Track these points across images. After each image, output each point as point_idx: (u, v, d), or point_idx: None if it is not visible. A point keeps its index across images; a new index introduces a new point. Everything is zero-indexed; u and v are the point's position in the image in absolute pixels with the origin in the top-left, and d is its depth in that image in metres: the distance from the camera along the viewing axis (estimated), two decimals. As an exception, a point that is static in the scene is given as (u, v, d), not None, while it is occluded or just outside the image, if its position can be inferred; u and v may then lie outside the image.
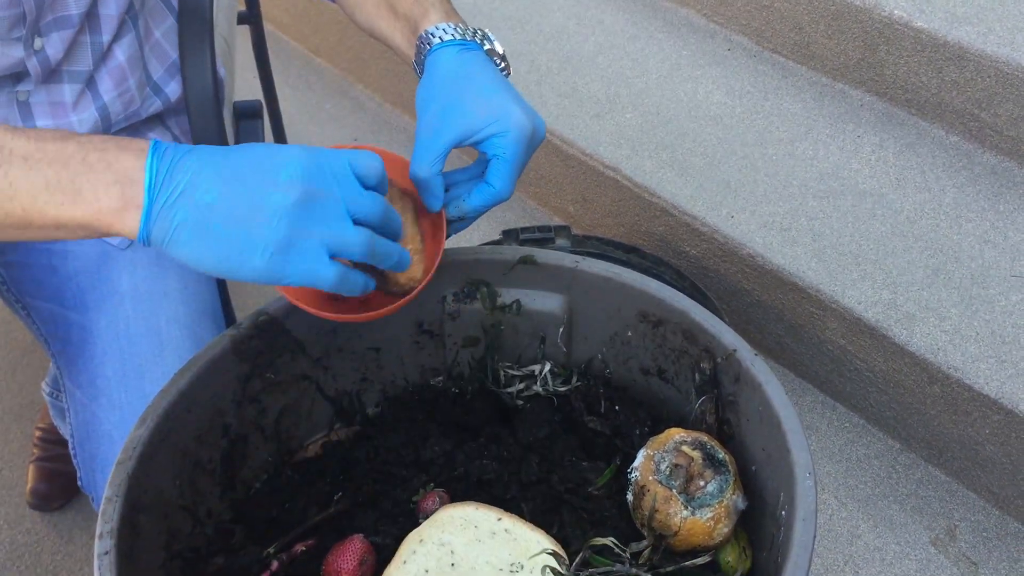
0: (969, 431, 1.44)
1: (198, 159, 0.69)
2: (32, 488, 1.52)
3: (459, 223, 0.87)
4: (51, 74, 1.03)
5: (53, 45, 1.00)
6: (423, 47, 0.89)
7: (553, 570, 0.76)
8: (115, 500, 0.72)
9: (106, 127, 1.09)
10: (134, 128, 1.15)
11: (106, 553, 0.69)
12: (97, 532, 0.70)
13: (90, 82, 1.06)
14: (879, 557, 1.44)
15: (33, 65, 1.00)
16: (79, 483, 1.05)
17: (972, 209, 1.62)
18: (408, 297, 0.81)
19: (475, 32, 0.90)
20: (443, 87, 0.86)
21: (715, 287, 1.71)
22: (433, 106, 0.85)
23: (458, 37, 0.88)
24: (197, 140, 1.15)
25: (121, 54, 1.07)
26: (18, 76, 1.02)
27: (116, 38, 1.06)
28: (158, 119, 1.18)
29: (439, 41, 0.88)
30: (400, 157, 0.86)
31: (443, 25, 0.89)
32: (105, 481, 1.00)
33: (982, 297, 1.48)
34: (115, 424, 1.00)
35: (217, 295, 1.15)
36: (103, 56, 1.06)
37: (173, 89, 1.15)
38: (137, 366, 1.02)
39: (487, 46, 0.90)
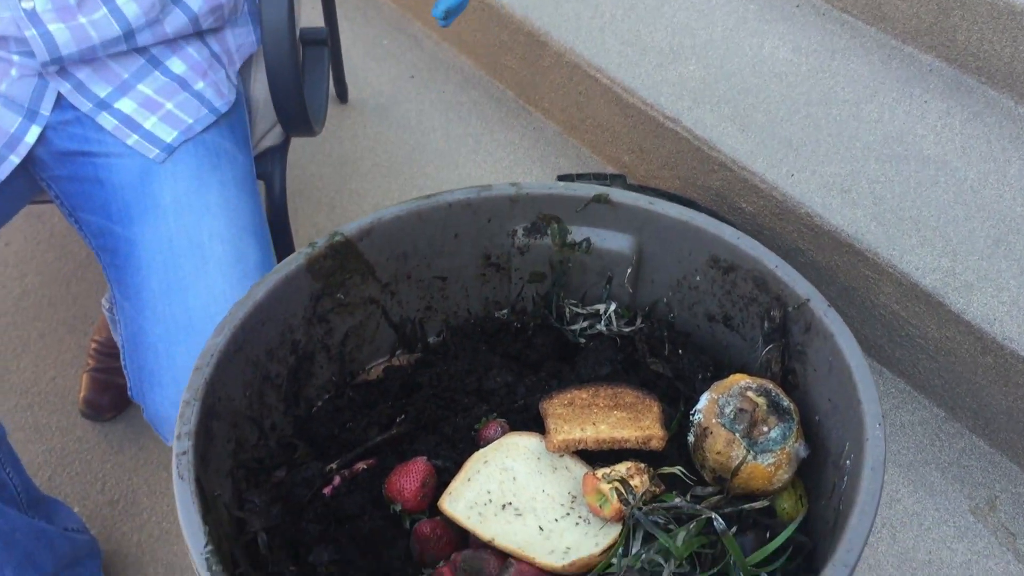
0: (1019, 403, 1.43)
1: None
2: (85, 397, 1.55)
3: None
4: None
5: None
6: None
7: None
8: (193, 404, 0.74)
9: (125, 30, 1.07)
10: (170, 42, 1.13)
11: (184, 453, 0.70)
12: (176, 433, 0.72)
13: None
14: (917, 522, 1.44)
15: None
16: (129, 392, 1.07)
17: (1038, 182, 1.59)
18: None
19: None
20: None
21: (768, 245, 1.69)
22: None
23: None
24: (269, 62, 1.15)
25: None
26: None
27: None
28: (196, 36, 1.16)
29: None
30: None
31: None
32: (152, 392, 1.03)
33: (1042, 271, 1.46)
34: (160, 336, 1.02)
35: (260, 211, 1.14)
36: None
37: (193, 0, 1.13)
38: (180, 280, 1.03)
39: None
